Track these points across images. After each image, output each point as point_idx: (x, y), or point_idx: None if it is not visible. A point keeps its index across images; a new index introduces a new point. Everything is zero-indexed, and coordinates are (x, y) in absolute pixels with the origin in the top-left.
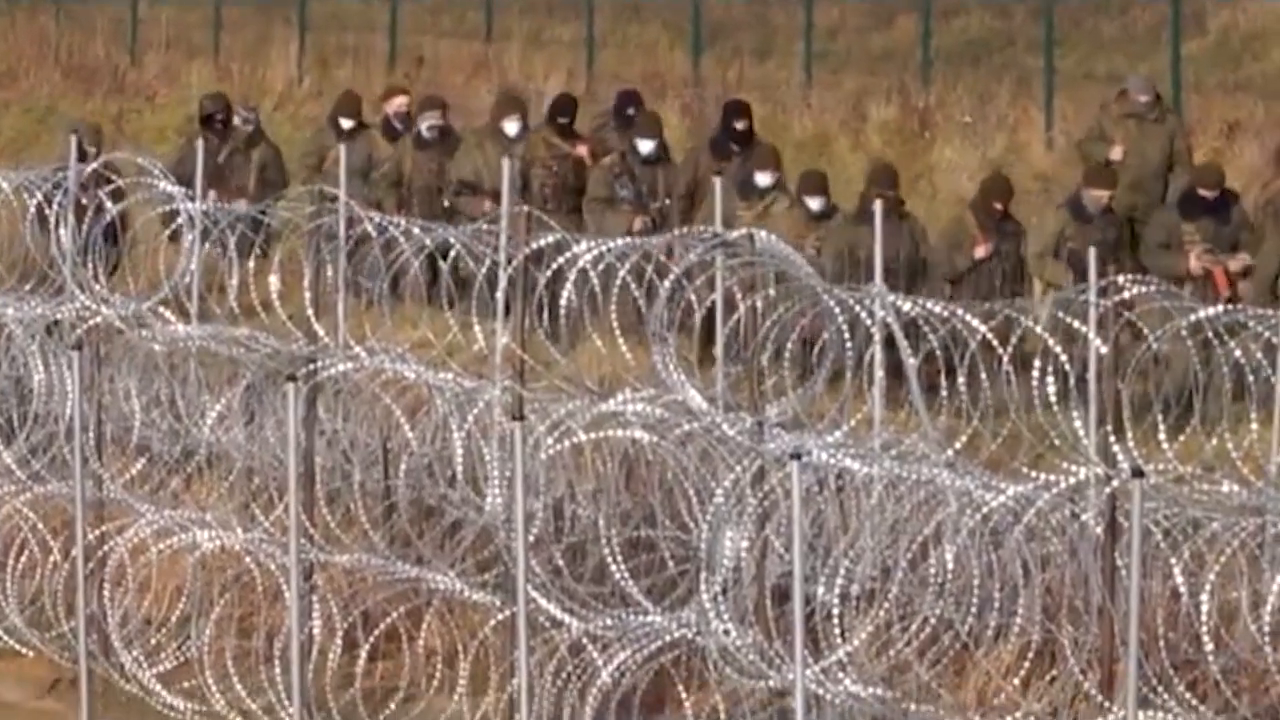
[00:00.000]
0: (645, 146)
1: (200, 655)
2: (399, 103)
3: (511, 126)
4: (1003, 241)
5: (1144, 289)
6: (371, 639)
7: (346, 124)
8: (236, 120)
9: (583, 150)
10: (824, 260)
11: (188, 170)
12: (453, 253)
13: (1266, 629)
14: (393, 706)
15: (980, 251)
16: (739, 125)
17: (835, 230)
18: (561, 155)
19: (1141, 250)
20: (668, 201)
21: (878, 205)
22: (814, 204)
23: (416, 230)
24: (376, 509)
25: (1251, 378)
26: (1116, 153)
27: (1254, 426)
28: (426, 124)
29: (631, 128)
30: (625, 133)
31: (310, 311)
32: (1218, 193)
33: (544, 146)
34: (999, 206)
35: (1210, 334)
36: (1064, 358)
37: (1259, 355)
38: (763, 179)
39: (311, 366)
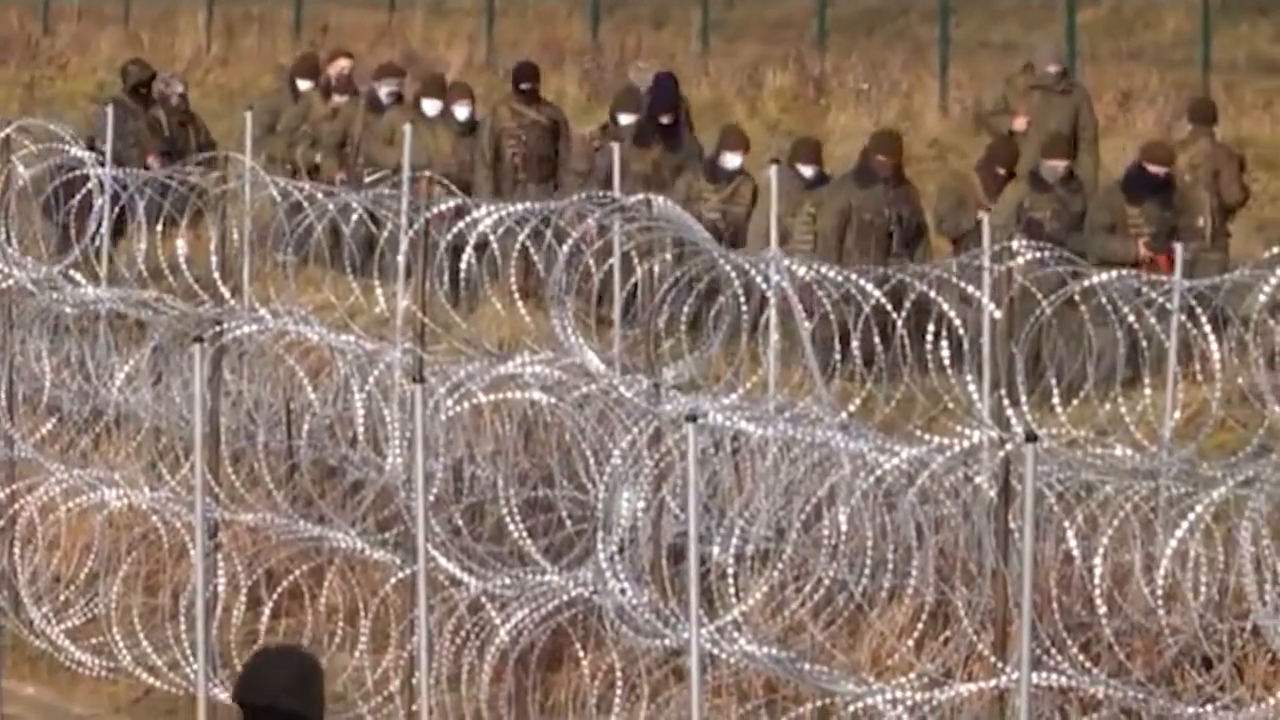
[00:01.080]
0: (626, 119)
1: (108, 611)
2: (342, 65)
3: (462, 111)
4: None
5: (1038, 254)
6: (274, 596)
7: (304, 85)
8: (162, 88)
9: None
10: (820, 222)
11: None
12: (354, 217)
13: (1159, 592)
14: None
15: (984, 215)
16: (664, 119)
17: (831, 192)
18: (529, 123)
19: (1085, 233)
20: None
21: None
22: (807, 171)
23: (320, 195)
24: (280, 469)
25: (1145, 343)
26: (1020, 124)
27: (1147, 392)
28: (385, 89)
29: (528, 100)
30: (522, 104)
31: (216, 275)
32: (1167, 169)
33: (510, 115)
34: (1001, 171)
35: (1104, 300)
36: (958, 322)
37: (1153, 321)
38: (731, 160)
39: (217, 329)
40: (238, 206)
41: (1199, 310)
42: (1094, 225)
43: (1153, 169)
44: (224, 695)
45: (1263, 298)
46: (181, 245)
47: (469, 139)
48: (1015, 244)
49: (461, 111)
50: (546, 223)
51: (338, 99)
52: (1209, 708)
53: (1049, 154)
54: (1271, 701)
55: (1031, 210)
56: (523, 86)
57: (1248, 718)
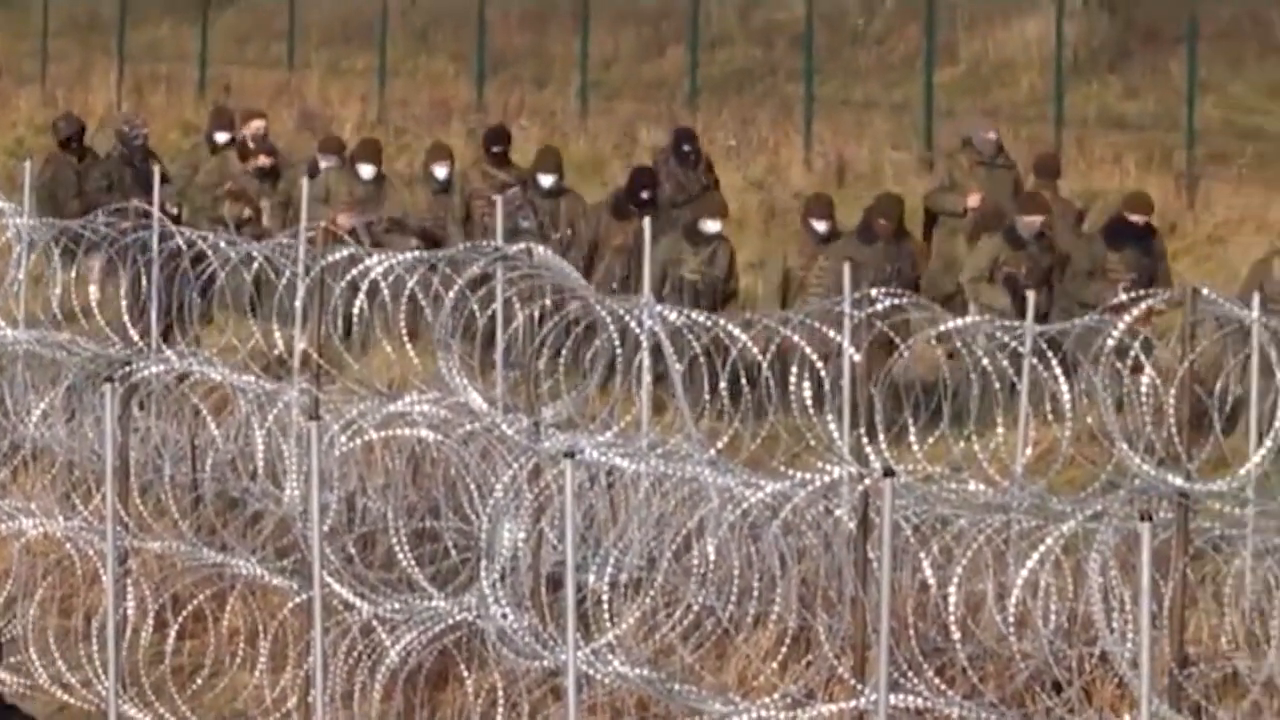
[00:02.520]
0: (546, 180)
1: (25, 633)
2: (256, 125)
3: (441, 171)
4: None
5: (899, 302)
6: (180, 619)
7: (221, 137)
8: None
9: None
10: (827, 278)
11: (49, 189)
12: (255, 265)
13: (1011, 619)
14: (199, 681)
15: (965, 277)
16: (644, 194)
17: (837, 248)
18: (499, 185)
19: (1067, 278)
20: (569, 232)
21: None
22: (820, 226)
23: (223, 244)
24: (185, 500)
25: (998, 384)
26: (974, 200)
27: (1000, 430)
28: (325, 164)
29: (499, 163)
30: (493, 166)
31: (126, 318)
32: (1147, 219)
33: (481, 178)
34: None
35: (959, 344)
36: (820, 365)
37: (1005, 363)
38: (710, 226)
39: (127, 369)
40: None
41: (1050, 354)
42: (1076, 271)
43: (1133, 218)
44: (133, 711)
45: (1110, 342)
46: (93, 290)
47: (444, 197)
48: (874, 291)
49: (440, 171)
50: (434, 270)
51: (263, 160)
52: None
53: (1026, 210)
54: None
55: (1006, 265)
56: (494, 150)
57: None
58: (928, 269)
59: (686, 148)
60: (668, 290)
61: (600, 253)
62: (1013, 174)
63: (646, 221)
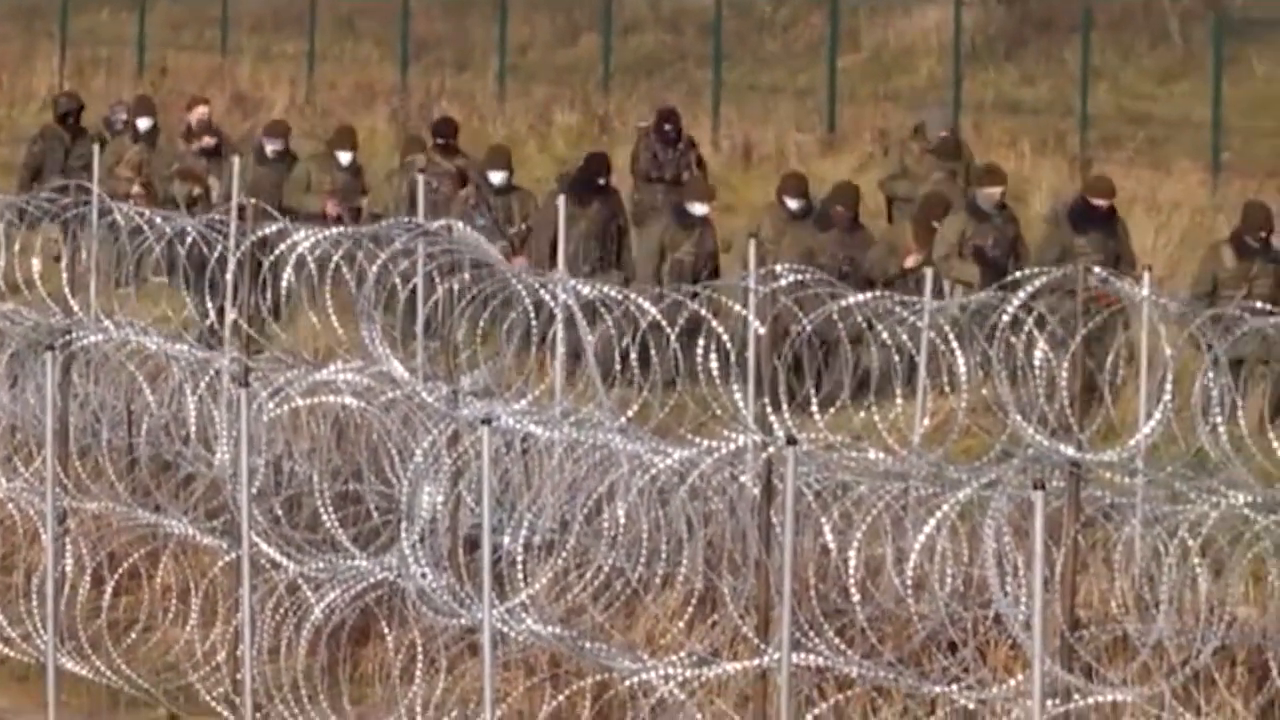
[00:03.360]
0: (497, 177)
1: None
2: (200, 111)
3: (345, 156)
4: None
5: (802, 278)
6: (116, 576)
7: (143, 124)
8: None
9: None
10: (783, 263)
11: (37, 160)
12: (189, 239)
13: (908, 582)
14: (134, 635)
15: (910, 260)
16: (600, 180)
17: (795, 235)
18: (441, 173)
19: (1033, 262)
20: (523, 226)
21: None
22: (793, 204)
23: (159, 219)
24: (121, 463)
25: (897, 357)
26: (911, 261)
27: (899, 401)
28: (270, 147)
29: (445, 152)
30: (440, 155)
31: (67, 290)
32: (1110, 202)
33: (428, 164)
34: (935, 224)
35: (860, 319)
36: (725, 336)
37: (904, 337)
38: (698, 209)
39: (67, 338)
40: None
41: (948, 328)
42: (1043, 256)
43: (1095, 201)
44: (71, 663)
45: (1005, 317)
46: (36, 264)
47: (357, 180)
48: (778, 267)
49: (344, 157)
50: (359, 245)
51: (207, 141)
52: (954, 687)
53: (984, 182)
54: (1011, 682)
55: (974, 239)
56: (439, 140)
57: (989, 697)
58: (872, 253)
59: (668, 127)
60: (666, 270)
61: (568, 237)
62: (962, 161)
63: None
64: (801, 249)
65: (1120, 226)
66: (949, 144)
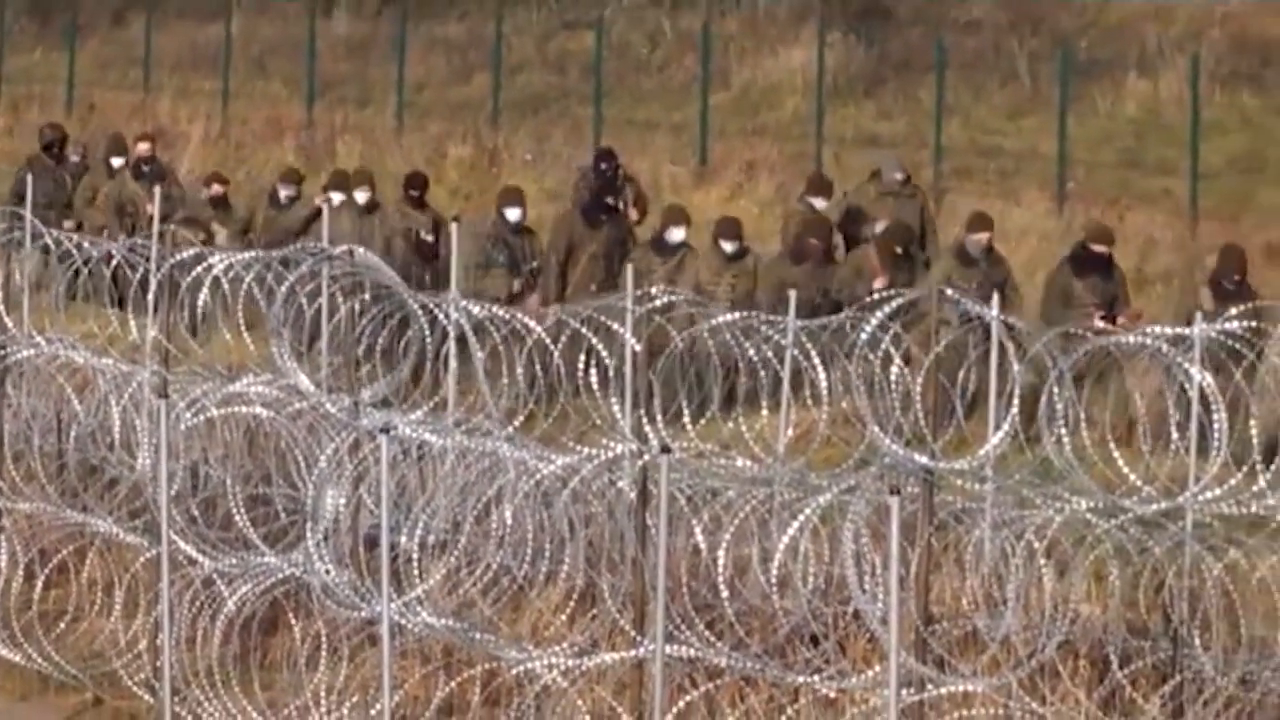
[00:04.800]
0: (513, 214)
1: None
2: (142, 148)
3: (361, 195)
4: (899, 274)
5: (674, 299)
6: (46, 571)
7: (116, 162)
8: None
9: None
10: (759, 292)
11: (24, 187)
12: (114, 262)
13: (773, 580)
14: (62, 625)
15: (878, 283)
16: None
17: (769, 266)
18: (413, 224)
19: (1042, 306)
20: (535, 264)
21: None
22: (728, 247)
23: (86, 244)
24: (51, 466)
25: (763, 372)
26: (879, 227)
27: (764, 412)
28: (284, 193)
29: (416, 205)
30: (410, 208)
31: (1, 308)
32: (1109, 249)
33: (399, 218)
34: (899, 249)
35: (729, 336)
36: (605, 353)
37: (769, 354)
38: (675, 235)
39: (2, 353)
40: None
41: (810, 346)
42: (1050, 299)
43: (1095, 248)
44: (4, 651)
45: (864, 335)
46: None
47: (369, 218)
48: (654, 289)
49: (361, 196)
50: (269, 268)
51: (216, 189)
52: (816, 677)
53: (972, 229)
54: (869, 673)
55: (959, 282)
56: (411, 193)
57: (849, 686)
58: (839, 275)
59: (604, 166)
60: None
61: (575, 259)
62: (916, 201)
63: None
64: (776, 281)
65: (1117, 271)
66: (818, 182)
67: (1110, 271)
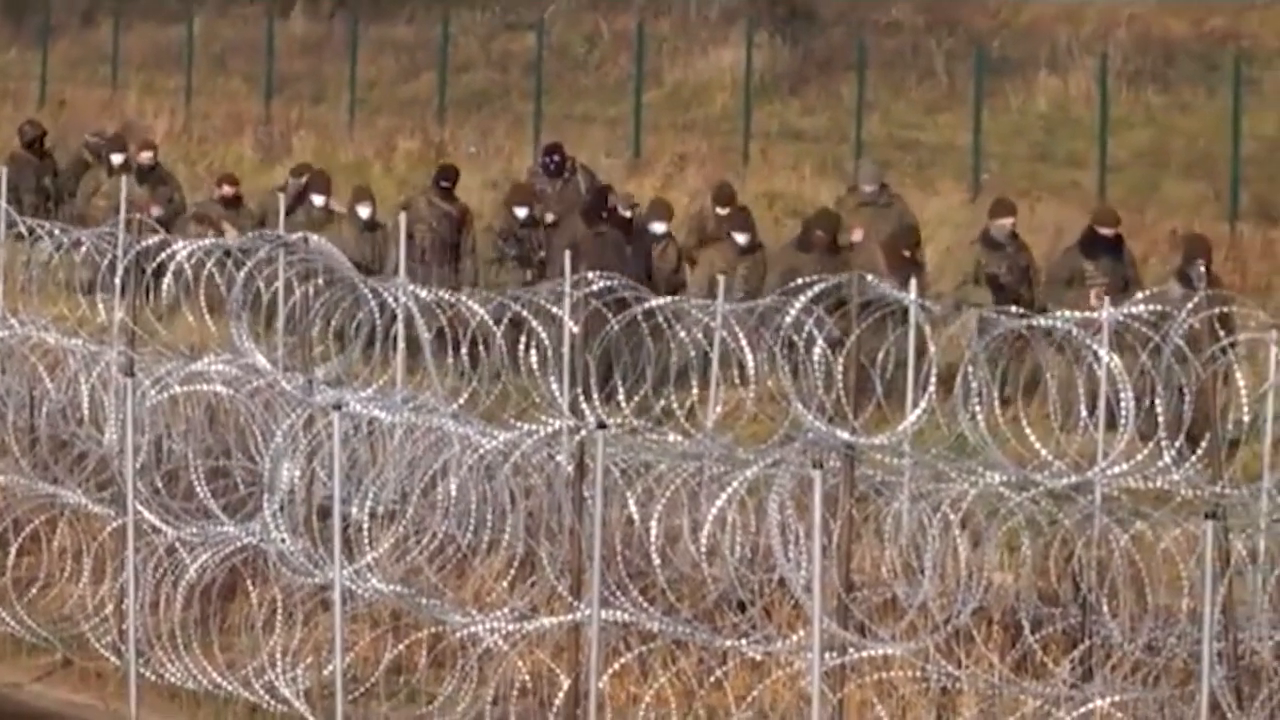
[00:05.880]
0: (521, 212)
1: None
2: (145, 156)
3: (363, 210)
4: (904, 277)
5: (610, 284)
6: (19, 540)
7: (116, 159)
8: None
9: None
10: (770, 277)
11: (13, 182)
12: (84, 249)
13: (703, 549)
14: (34, 591)
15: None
16: (610, 203)
17: (778, 255)
18: (442, 214)
19: (1044, 285)
20: (543, 254)
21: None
22: (741, 239)
23: (57, 231)
24: (24, 441)
25: (693, 353)
26: (857, 235)
27: (694, 390)
28: (220, 193)
29: (445, 196)
30: (439, 198)
31: None
32: (1115, 230)
33: (427, 206)
34: (906, 252)
35: (662, 320)
36: (544, 335)
37: (700, 336)
38: (658, 227)
39: None
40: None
41: (738, 329)
42: (1054, 279)
43: (1102, 231)
44: None
45: (788, 319)
46: None
47: (368, 234)
48: (590, 274)
49: (363, 211)
50: (228, 254)
51: (227, 189)
52: (743, 641)
53: (996, 214)
54: (794, 637)
55: (988, 267)
56: (443, 184)
57: (774, 650)
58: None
59: (547, 159)
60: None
61: (584, 253)
62: (894, 209)
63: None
64: (785, 268)
65: (1127, 252)
66: (724, 189)
67: (1120, 252)
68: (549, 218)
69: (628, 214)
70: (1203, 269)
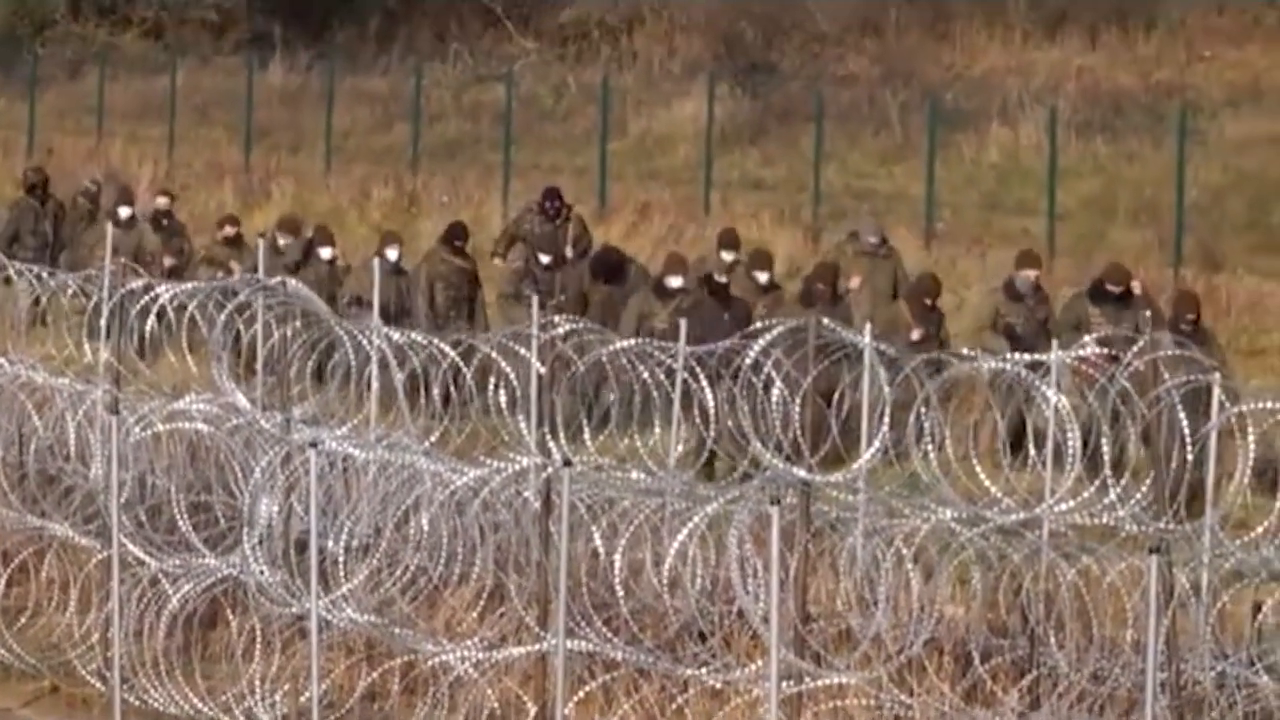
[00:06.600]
0: (545, 258)
1: None
2: (162, 202)
3: (392, 253)
4: (929, 326)
5: (575, 328)
6: (8, 570)
7: (124, 212)
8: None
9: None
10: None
11: (15, 225)
12: (70, 291)
13: (665, 581)
14: (23, 620)
15: (915, 335)
16: (613, 260)
17: (783, 309)
18: (456, 269)
19: (1054, 330)
20: (563, 298)
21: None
22: (761, 277)
23: (44, 275)
24: (13, 476)
25: (656, 394)
26: (854, 283)
27: (656, 430)
28: (222, 234)
29: (457, 253)
30: (451, 255)
31: None
32: (1121, 286)
33: (441, 263)
34: (928, 301)
35: (625, 361)
36: (512, 376)
37: (661, 376)
38: (674, 282)
39: None
40: None
41: (699, 370)
42: (1063, 324)
43: (1109, 286)
44: None
45: (749, 360)
46: None
47: (396, 277)
48: (557, 318)
49: (391, 253)
50: (209, 298)
51: (229, 230)
52: (703, 670)
53: (1022, 266)
54: (752, 667)
55: (1006, 316)
56: (456, 243)
57: (733, 679)
58: (877, 331)
59: (548, 204)
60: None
61: (588, 305)
62: (891, 261)
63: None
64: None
65: (1136, 301)
66: (728, 236)
67: (1128, 302)
68: (543, 259)
69: (723, 279)
70: (1191, 320)
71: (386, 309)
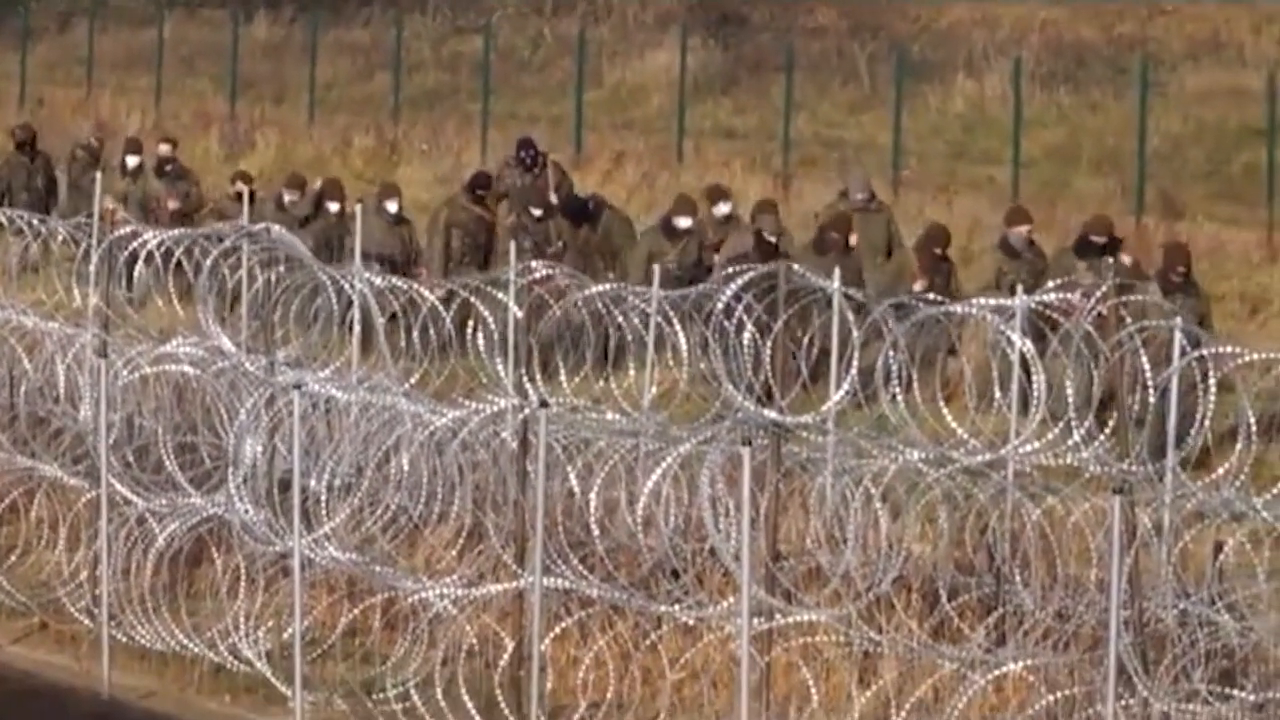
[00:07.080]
0: (536, 211)
1: None
2: (165, 149)
3: (391, 205)
4: (936, 276)
5: (551, 273)
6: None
7: (131, 162)
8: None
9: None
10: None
11: (6, 181)
12: (60, 237)
13: (639, 520)
14: (13, 558)
15: (919, 285)
16: (589, 204)
17: (798, 257)
18: (475, 217)
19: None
20: (560, 245)
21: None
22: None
23: (36, 221)
24: (4, 418)
25: (630, 338)
26: (852, 238)
27: (631, 371)
28: (234, 190)
29: (478, 201)
30: (471, 203)
31: None
32: (1106, 238)
33: (462, 211)
34: (938, 250)
35: (600, 306)
36: (491, 321)
37: (636, 321)
38: (683, 223)
39: None
40: None
41: (672, 314)
42: (1054, 278)
43: (1094, 238)
44: None
45: (720, 304)
46: None
47: (396, 228)
48: (535, 264)
49: (391, 206)
50: (196, 244)
51: (240, 186)
52: (676, 607)
53: (1012, 222)
54: (724, 604)
55: (1008, 274)
56: (478, 191)
57: (706, 615)
58: (882, 279)
59: (523, 154)
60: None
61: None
62: (882, 216)
63: None
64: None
65: (1120, 251)
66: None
67: (1114, 253)
68: (534, 212)
69: (773, 239)
70: (1181, 273)
71: (392, 260)
